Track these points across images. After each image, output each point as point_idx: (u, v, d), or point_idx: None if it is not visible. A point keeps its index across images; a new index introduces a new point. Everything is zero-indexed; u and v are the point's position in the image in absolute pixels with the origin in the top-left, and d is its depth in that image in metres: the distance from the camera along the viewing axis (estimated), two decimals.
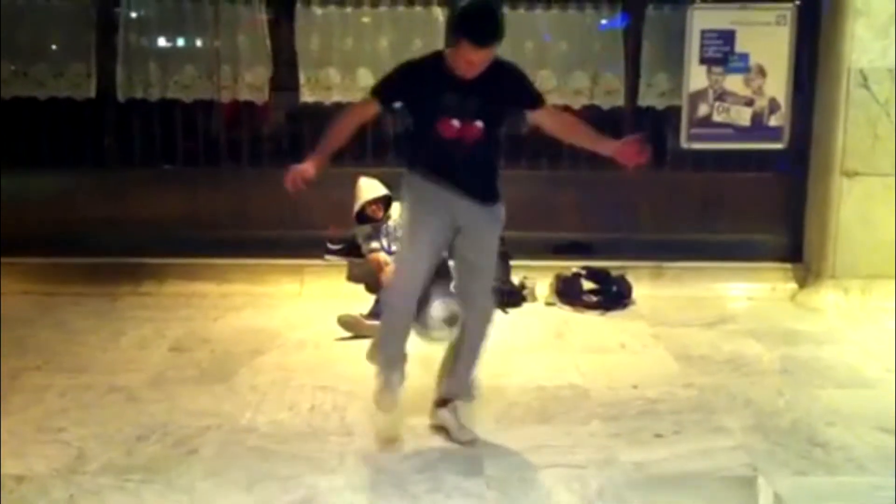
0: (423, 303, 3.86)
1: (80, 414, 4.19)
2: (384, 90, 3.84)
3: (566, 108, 6.71)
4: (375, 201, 5.86)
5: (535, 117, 3.91)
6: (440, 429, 3.99)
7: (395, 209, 5.93)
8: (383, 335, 3.98)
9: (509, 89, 3.78)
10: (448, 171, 3.73)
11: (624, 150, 3.77)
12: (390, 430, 4.00)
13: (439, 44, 6.57)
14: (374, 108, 3.88)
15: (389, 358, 3.93)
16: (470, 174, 3.76)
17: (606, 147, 3.84)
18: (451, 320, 3.89)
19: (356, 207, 5.88)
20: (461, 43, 3.56)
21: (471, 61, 3.59)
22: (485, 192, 3.81)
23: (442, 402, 4.05)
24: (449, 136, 3.68)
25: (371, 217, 5.89)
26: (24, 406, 4.27)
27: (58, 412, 4.20)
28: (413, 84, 3.74)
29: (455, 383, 4.04)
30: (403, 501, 3.41)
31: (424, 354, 5.09)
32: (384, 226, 5.96)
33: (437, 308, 3.88)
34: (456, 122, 3.67)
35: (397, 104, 3.97)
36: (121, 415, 4.18)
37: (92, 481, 3.51)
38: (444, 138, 3.68)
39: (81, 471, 3.60)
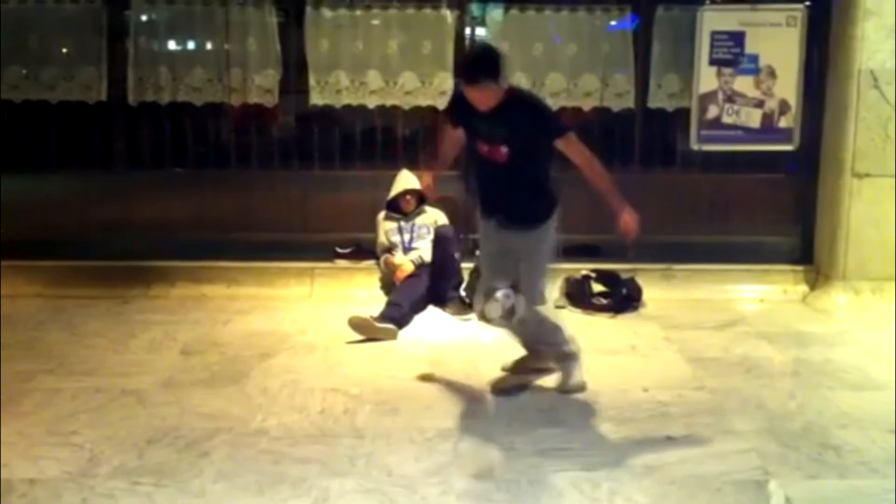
0: (488, 296, 4.33)
1: (91, 417, 4.20)
2: (449, 114, 4.58)
3: (576, 111, 6.73)
4: (411, 192, 6.09)
5: (558, 146, 4.21)
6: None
7: (429, 210, 6.10)
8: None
9: (526, 119, 4.13)
10: (487, 184, 4.34)
11: (625, 219, 4.24)
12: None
13: (448, 47, 6.60)
14: (453, 129, 4.47)
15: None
16: (505, 192, 4.25)
17: (612, 203, 4.26)
18: (508, 313, 4.31)
19: (392, 194, 6.12)
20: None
21: (471, 96, 4.09)
22: (520, 214, 4.26)
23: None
24: (483, 154, 4.20)
25: (402, 208, 6.13)
26: (35, 409, 4.28)
27: (69, 415, 4.21)
28: (458, 109, 4.34)
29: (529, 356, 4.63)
30: None
31: (434, 357, 5.11)
32: (411, 222, 6.15)
33: (494, 303, 4.30)
34: (485, 147, 4.18)
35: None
36: (132, 418, 4.19)
37: (104, 484, 3.52)
38: (480, 155, 4.22)
39: (93, 474, 3.61)
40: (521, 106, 4.18)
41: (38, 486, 3.50)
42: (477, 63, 4.13)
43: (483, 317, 4.42)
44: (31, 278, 6.39)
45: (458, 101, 4.34)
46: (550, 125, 4.23)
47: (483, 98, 4.06)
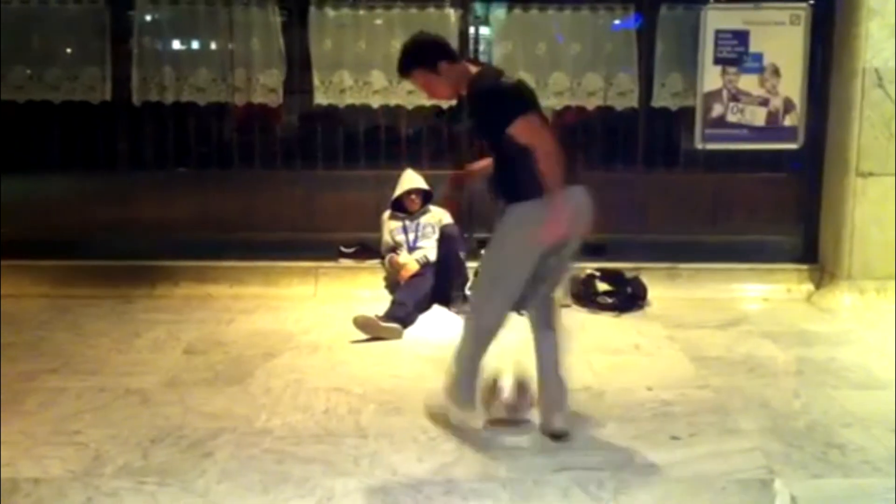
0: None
1: (95, 416, 4.20)
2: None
3: (580, 110, 6.74)
4: (416, 192, 6.11)
5: (512, 133, 3.71)
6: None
7: (434, 209, 6.12)
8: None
9: (473, 107, 3.90)
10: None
11: (547, 227, 3.63)
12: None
13: (452, 45, 6.59)
14: None
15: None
16: (497, 184, 3.92)
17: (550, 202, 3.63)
18: None
19: (396, 193, 6.13)
20: None
21: (416, 88, 4.08)
22: (504, 194, 3.88)
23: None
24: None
25: (406, 207, 6.14)
26: (39, 408, 4.28)
27: (73, 414, 4.21)
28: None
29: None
30: None
31: (439, 357, 5.10)
32: (416, 222, 6.16)
33: None
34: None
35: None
36: (136, 417, 4.19)
37: (108, 484, 3.52)
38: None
39: (98, 473, 3.61)
40: (469, 93, 3.82)
41: (42, 485, 3.51)
42: (403, 55, 3.91)
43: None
44: (36, 278, 6.40)
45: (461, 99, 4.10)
46: (491, 112, 3.72)
47: (427, 88, 3.92)
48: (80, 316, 5.85)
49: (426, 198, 6.25)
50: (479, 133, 3.99)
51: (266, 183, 6.88)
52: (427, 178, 6.22)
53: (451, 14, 6.63)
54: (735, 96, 6.51)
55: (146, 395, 4.48)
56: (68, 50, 6.78)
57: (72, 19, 6.68)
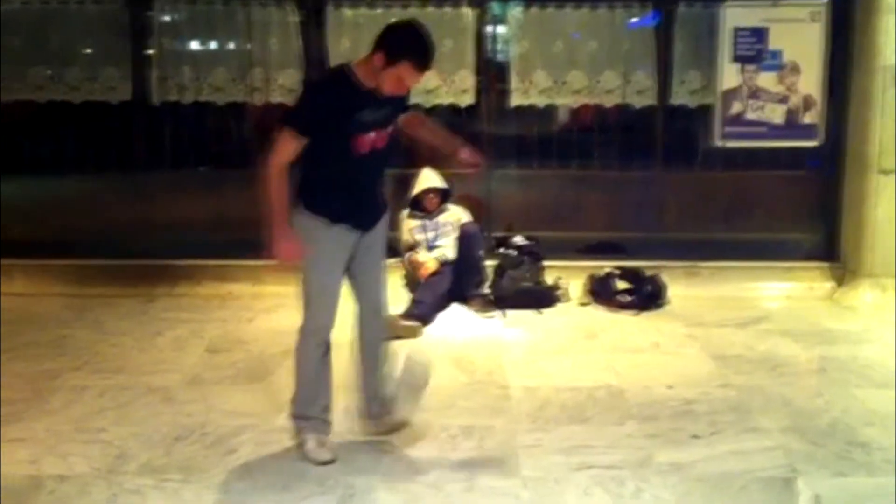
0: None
1: (118, 414, 4.24)
2: (304, 122, 3.62)
3: (597, 108, 6.74)
4: (434, 191, 6.11)
5: (406, 119, 3.92)
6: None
7: (452, 208, 6.13)
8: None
9: (399, 96, 3.73)
10: (357, 183, 3.71)
11: (464, 152, 3.91)
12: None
13: (468, 45, 6.60)
14: (298, 145, 3.62)
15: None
16: (372, 185, 3.80)
17: (453, 145, 3.97)
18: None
19: (414, 192, 6.13)
20: (400, 64, 3.50)
21: (404, 82, 3.58)
22: (381, 201, 3.88)
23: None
24: (362, 151, 3.62)
25: (424, 206, 6.14)
26: (63, 406, 4.33)
27: (97, 412, 4.25)
28: (328, 106, 3.58)
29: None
30: (439, 502, 3.42)
31: (458, 355, 5.11)
32: (435, 220, 6.17)
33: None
34: (372, 135, 3.63)
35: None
36: (159, 415, 4.23)
37: (132, 481, 3.55)
38: (356, 151, 3.61)
39: (122, 470, 3.64)
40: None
41: (66, 482, 3.54)
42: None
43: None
44: (58, 277, 6.44)
45: (323, 97, 3.64)
46: (408, 98, 3.88)
47: (413, 85, 3.69)
48: (101, 315, 5.89)
49: (444, 196, 6.26)
50: (393, 123, 3.78)
51: None
52: (445, 177, 6.22)
53: (469, 13, 6.61)
54: (754, 94, 6.47)
55: (169, 393, 4.51)
56: (88, 50, 6.80)
57: (91, 19, 6.70)
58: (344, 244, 3.73)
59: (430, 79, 6.60)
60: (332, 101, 3.58)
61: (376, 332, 3.95)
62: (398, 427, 3.99)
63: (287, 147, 3.65)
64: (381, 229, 3.86)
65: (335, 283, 3.76)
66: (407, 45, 3.54)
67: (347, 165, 3.65)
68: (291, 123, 3.67)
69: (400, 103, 3.77)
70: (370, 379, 3.97)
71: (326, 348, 3.80)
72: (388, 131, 3.72)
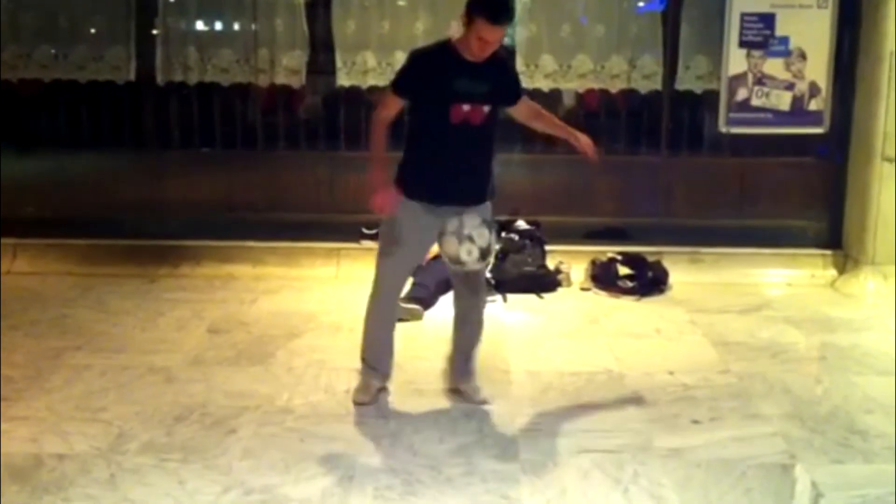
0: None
1: (119, 393, 4.25)
2: (405, 84, 3.86)
3: (603, 92, 6.71)
4: None
5: (513, 109, 4.05)
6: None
7: None
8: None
9: (507, 78, 3.96)
10: (446, 157, 3.84)
11: (585, 141, 4.07)
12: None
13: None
14: (399, 105, 3.90)
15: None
16: (465, 164, 3.87)
17: (570, 134, 4.09)
18: (484, 252, 3.88)
19: None
20: (476, 22, 3.64)
21: (485, 40, 3.67)
22: (479, 185, 3.95)
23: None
24: (457, 120, 3.77)
25: None
26: (64, 385, 4.34)
27: (98, 391, 4.26)
28: (427, 72, 3.80)
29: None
30: (438, 484, 3.42)
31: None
32: None
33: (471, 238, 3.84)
34: (466, 107, 3.76)
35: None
36: (160, 395, 4.23)
37: (132, 460, 3.56)
38: (452, 124, 3.77)
39: (122, 450, 3.65)
40: (506, 62, 4.03)
41: (66, 460, 3.55)
42: (511, 1, 3.84)
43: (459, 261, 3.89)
44: (60, 256, 6.45)
45: (423, 64, 3.85)
46: (520, 86, 4.11)
47: (494, 42, 3.72)
48: (104, 294, 5.89)
49: None
50: (496, 102, 3.88)
51: (289, 164, 6.90)
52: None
53: None
54: (760, 80, 6.44)
55: (170, 373, 4.52)
56: (93, 30, 6.78)
57: None
58: (419, 221, 3.89)
59: None
60: (430, 65, 3.80)
61: (470, 311, 4.22)
62: (479, 403, 4.15)
63: (387, 104, 3.92)
64: (480, 213, 3.91)
65: (401, 255, 4.02)
66: (481, 1, 3.65)
67: (438, 136, 3.82)
68: (392, 84, 3.93)
69: (505, 82, 3.89)
70: (460, 354, 4.27)
71: (389, 309, 4.20)
72: (485, 110, 3.80)
